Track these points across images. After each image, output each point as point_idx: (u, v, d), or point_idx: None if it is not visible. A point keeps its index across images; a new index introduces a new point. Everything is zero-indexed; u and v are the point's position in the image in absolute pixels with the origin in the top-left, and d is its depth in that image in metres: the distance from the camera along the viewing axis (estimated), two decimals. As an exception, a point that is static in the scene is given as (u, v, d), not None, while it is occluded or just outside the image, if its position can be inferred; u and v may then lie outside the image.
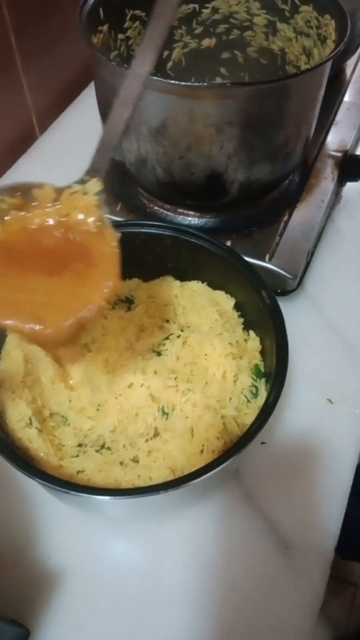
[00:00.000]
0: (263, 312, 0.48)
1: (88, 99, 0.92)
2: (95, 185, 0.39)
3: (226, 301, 0.55)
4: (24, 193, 0.39)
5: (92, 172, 0.40)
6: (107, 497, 0.39)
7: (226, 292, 0.56)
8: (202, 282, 0.57)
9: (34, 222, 0.38)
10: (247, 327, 0.54)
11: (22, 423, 0.45)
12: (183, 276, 0.57)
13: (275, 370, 0.44)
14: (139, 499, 0.39)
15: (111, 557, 0.50)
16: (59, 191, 0.39)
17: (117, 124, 0.40)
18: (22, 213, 0.38)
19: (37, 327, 0.35)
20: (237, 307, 0.55)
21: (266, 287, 0.49)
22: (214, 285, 0.56)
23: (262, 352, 0.52)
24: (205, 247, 0.53)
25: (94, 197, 0.39)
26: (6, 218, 0.38)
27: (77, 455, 0.46)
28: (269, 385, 0.46)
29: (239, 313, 0.55)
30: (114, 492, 0.40)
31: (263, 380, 0.50)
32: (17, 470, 0.39)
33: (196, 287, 0.56)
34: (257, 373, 0.50)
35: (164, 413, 0.47)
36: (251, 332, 0.53)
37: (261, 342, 0.52)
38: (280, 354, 0.45)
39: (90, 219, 0.38)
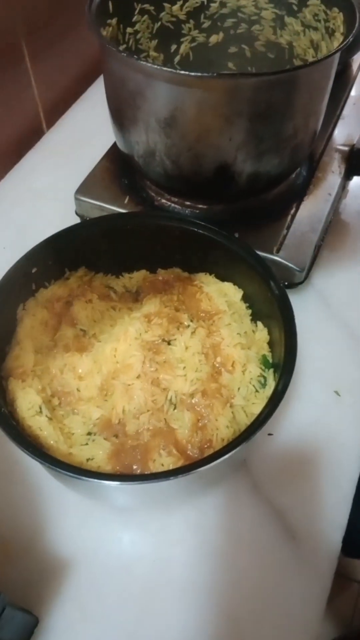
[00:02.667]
0: (271, 302, 0.49)
1: (95, 95, 0.93)
2: None
3: (234, 292, 0.55)
4: None
5: None
6: (116, 483, 0.39)
7: (234, 284, 0.56)
8: (210, 274, 0.57)
9: None
10: (255, 318, 0.54)
11: (32, 411, 0.46)
12: (191, 268, 0.57)
13: (284, 359, 0.44)
14: (148, 485, 0.39)
15: (119, 547, 0.50)
16: None
17: None
18: None
19: None
20: (245, 298, 0.55)
21: (275, 278, 0.49)
22: (222, 277, 0.56)
23: (270, 343, 0.52)
24: (213, 239, 0.53)
25: None
26: None
27: (87, 444, 0.46)
28: (277, 375, 0.46)
29: (247, 304, 0.55)
30: (124, 478, 0.40)
31: (271, 370, 0.50)
32: (28, 456, 0.40)
33: (204, 279, 0.56)
34: (265, 363, 0.50)
35: (171, 402, 0.48)
36: (259, 324, 0.53)
37: (269, 333, 0.52)
38: (289, 342, 0.45)
39: None
